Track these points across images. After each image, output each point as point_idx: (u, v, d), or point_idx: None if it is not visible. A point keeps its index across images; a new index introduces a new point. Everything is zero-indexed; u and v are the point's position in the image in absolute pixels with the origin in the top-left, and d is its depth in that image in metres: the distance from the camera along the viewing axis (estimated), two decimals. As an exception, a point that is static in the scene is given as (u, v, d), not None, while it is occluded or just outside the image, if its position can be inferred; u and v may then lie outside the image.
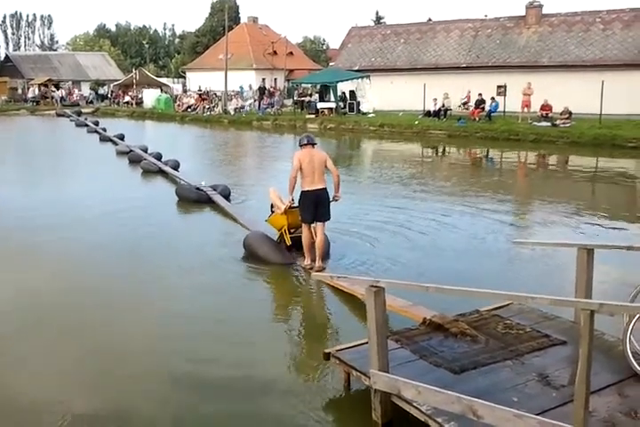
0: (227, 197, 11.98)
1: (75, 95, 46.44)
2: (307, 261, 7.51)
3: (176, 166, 15.89)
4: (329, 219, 7.47)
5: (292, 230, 7.99)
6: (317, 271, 7.08)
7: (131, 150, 19.01)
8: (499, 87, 26.35)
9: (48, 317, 6.17)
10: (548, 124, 23.23)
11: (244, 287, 7.11)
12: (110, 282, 7.23)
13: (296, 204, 7.48)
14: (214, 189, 12.14)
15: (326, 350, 4.72)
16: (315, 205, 7.26)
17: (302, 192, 7.29)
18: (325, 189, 7.32)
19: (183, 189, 12.26)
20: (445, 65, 31.68)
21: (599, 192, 14.12)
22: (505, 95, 25.56)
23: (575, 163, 18.46)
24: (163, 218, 10.80)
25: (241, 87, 41.94)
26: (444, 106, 27.04)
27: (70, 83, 52.88)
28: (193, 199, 11.82)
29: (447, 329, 4.86)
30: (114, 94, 45.76)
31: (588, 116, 23.16)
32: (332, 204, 7.46)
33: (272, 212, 8.13)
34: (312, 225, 7.47)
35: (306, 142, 7.30)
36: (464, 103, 28.17)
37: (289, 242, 7.96)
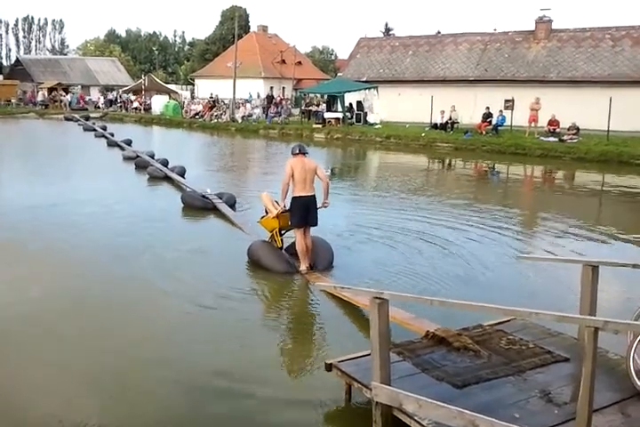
0: (232, 205, 12.00)
1: (83, 102, 46.55)
2: (303, 266, 7.72)
3: (182, 173, 15.94)
4: (316, 224, 7.83)
5: (282, 232, 8.34)
6: (305, 273, 7.56)
7: (137, 156, 19.08)
8: (506, 101, 26.43)
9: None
10: (556, 139, 23.23)
11: (246, 296, 7.09)
12: (107, 286, 7.28)
13: (287, 207, 7.85)
14: (220, 198, 12.16)
15: (328, 361, 4.70)
16: (305, 211, 7.62)
17: (294, 198, 7.65)
18: (314, 195, 7.69)
19: (189, 197, 12.29)
20: (453, 78, 31.78)
21: (605, 209, 14.08)
22: (512, 109, 25.59)
23: (581, 179, 18.44)
24: (168, 224, 10.80)
25: (249, 95, 42.14)
26: (450, 118, 27.09)
27: (79, 88, 53.24)
28: (198, 207, 11.85)
29: (450, 343, 4.84)
30: (122, 100, 45.99)
31: (596, 132, 23.16)
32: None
33: (266, 213, 8.39)
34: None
35: (297, 152, 7.78)
36: None
37: (279, 244, 8.30)
